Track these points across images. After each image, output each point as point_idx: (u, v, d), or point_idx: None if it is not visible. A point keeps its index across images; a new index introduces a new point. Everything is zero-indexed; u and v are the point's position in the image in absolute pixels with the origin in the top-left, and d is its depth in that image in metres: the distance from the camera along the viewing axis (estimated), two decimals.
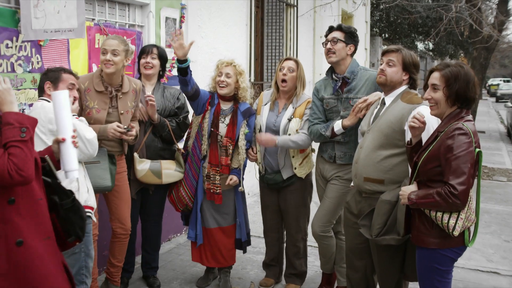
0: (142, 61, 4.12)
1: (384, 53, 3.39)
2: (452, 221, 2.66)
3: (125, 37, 4.75)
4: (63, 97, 2.52)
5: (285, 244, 4.38)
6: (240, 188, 4.15)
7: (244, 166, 4.20)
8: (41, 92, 3.27)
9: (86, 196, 3.12)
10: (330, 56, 3.83)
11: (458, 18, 8.85)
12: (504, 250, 5.49)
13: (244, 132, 4.10)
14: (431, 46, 19.37)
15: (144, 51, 4.13)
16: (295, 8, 8.71)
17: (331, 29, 3.93)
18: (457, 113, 2.80)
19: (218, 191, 4.07)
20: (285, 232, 4.37)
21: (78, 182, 3.08)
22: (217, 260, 4.25)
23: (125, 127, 3.58)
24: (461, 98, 2.78)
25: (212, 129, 4.06)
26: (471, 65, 10.05)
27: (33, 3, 3.81)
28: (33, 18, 3.84)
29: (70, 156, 2.47)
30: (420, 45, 20.18)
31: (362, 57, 13.35)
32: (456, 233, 2.67)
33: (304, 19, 9.09)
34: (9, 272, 2.12)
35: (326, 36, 3.94)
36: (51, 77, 3.22)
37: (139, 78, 4.19)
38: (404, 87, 3.33)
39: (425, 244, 2.78)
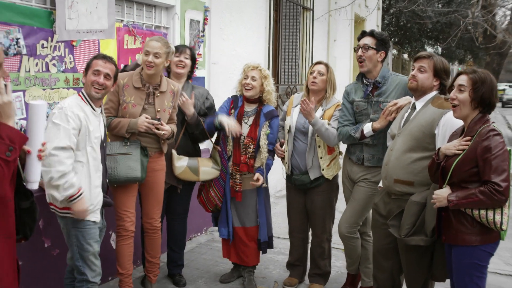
0: (175, 59, 4.17)
1: (416, 59, 3.45)
2: (497, 217, 2.76)
3: None
4: (40, 110, 2.49)
5: (309, 245, 4.44)
6: (264, 184, 4.22)
7: (269, 167, 4.26)
8: None
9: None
10: (361, 66, 3.90)
11: (473, 23, 8.89)
12: None
13: (266, 132, 4.18)
14: (440, 50, 19.42)
15: (177, 50, 4.19)
16: (311, 11, 8.77)
17: (363, 33, 4.00)
18: (481, 117, 2.90)
19: (237, 188, 4.20)
20: (310, 233, 4.43)
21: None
22: (241, 258, 4.34)
23: (157, 118, 3.71)
24: (485, 102, 2.88)
25: None
26: None
27: (68, 4, 3.89)
28: (67, 19, 3.92)
29: (33, 168, 2.45)
30: (430, 50, 20.22)
31: None
32: (504, 227, 2.78)
33: (318, 23, 9.15)
34: None
35: (359, 39, 3.99)
36: (86, 65, 3.32)
37: (167, 77, 4.28)
38: (434, 92, 3.39)
39: (466, 243, 2.86)
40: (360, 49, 3.93)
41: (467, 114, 2.90)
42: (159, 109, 3.78)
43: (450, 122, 3.16)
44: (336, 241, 4.48)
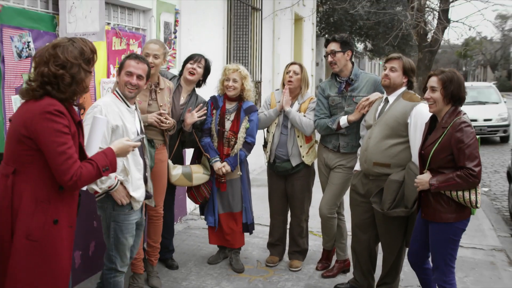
0: (188, 66, 4.57)
1: (387, 60, 4.04)
2: (473, 197, 3.30)
3: (133, 40, 5.18)
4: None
5: (288, 226, 4.95)
6: (238, 173, 4.68)
7: (241, 158, 4.66)
8: None
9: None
10: (333, 68, 4.48)
11: (408, 24, 9.76)
12: None
13: (246, 127, 4.64)
14: (369, 46, 20.54)
15: (192, 58, 4.60)
16: (260, 12, 9.27)
17: (327, 41, 4.57)
18: (453, 110, 3.42)
19: (222, 180, 4.66)
20: (289, 215, 4.94)
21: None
22: (227, 241, 4.80)
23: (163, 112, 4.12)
24: (455, 97, 3.42)
25: (219, 127, 4.60)
26: (416, 66, 11.05)
27: (68, 9, 4.16)
28: (67, 23, 4.18)
29: None
30: (359, 46, 21.33)
31: (309, 57, 14.11)
32: (479, 205, 3.33)
33: (265, 22, 9.66)
34: (40, 240, 2.53)
35: (325, 46, 4.55)
36: (119, 65, 3.59)
37: (178, 79, 4.68)
38: (403, 88, 3.98)
39: (443, 220, 3.38)
40: (329, 55, 4.48)
41: (441, 109, 3.43)
42: (161, 104, 4.17)
43: (420, 112, 3.75)
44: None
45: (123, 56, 4.97)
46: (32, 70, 2.66)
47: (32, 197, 2.51)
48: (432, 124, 3.54)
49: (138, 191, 3.49)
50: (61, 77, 2.52)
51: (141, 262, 4.20)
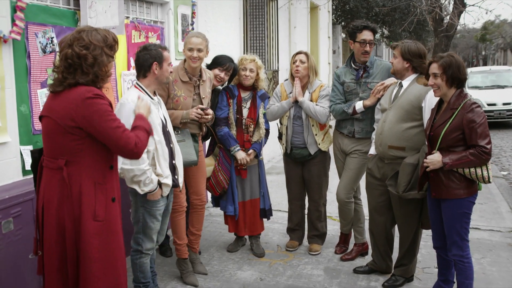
0: (217, 72, 4.60)
1: (392, 48, 4.13)
2: (485, 173, 3.43)
3: (152, 33, 5.31)
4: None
5: (306, 210, 5.06)
6: (261, 157, 4.81)
7: (262, 144, 4.84)
8: (144, 71, 3.53)
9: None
10: (366, 57, 4.52)
11: (423, 9, 9.76)
12: (479, 211, 6.36)
13: (263, 112, 4.78)
14: (386, 33, 20.42)
15: (222, 64, 4.61)
16: (276, 1, 9.34)
17: (363, 28, 4.50)
18: (459, 92, 3.54)
19: (244, 168, 4.77)
20: (306, 200, 5.05)
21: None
22: (250, 229, 4.95)
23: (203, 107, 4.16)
24: (456, 80, 3.52)
25: (237, 116, 4.71)
26: (433, 51, 11.08)
27: (88, 4, 4.30)
28: (88, 18, 4.33)
29: None
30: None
31: (325, 45, 14.13)
32: (491, 180, 3.45)
33: (281, 11, 9.73)
34: (105, 220, 2.75)
35: (360, 32, 4.50)
36: (155, 56, 3.53)
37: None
38: (417, 74, 4.04)
39: (457, 196, 3.50)
40: (368, 44, 4.49)
41: (445, 93, 3.55)
42: (203, 96, 4.25)
43: (434, 96, 3.82)
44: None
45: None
46: (57, 57, 2.77)
47: (91, 181, 2.68)
48: (439, 107, 3.64)
49: (167, 179, 3.59)
50: (84, 57, 2.62)
51: (185, 247, 4.34)
